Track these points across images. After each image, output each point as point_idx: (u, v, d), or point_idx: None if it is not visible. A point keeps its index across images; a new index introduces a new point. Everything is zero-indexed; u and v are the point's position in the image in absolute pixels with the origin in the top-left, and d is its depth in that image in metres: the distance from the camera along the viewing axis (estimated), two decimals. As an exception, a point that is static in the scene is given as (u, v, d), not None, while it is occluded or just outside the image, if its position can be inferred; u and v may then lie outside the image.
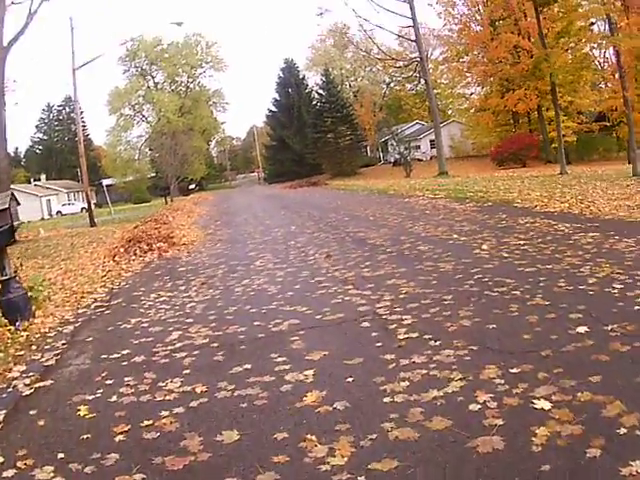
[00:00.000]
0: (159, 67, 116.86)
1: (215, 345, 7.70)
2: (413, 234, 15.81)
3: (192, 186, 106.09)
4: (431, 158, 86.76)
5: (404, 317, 7.79)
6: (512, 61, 67.30)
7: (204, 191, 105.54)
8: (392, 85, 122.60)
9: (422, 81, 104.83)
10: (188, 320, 9.24)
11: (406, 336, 6.96)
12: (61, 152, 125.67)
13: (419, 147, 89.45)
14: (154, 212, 41.81)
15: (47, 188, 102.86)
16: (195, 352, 7.47)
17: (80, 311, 11.08)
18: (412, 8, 57.55)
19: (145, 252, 18.39)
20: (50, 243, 29.27)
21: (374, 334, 7.27)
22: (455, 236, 14.52)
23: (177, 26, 48.06)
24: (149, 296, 11.74)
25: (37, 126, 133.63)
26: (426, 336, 6.86)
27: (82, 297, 12.38)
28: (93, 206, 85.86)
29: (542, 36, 41.40)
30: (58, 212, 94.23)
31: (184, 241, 20.53)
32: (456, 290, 8.93)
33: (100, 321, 10.12)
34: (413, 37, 60.99)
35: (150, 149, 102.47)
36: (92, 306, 11.46)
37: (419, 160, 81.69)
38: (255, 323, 8.49)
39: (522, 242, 12.42)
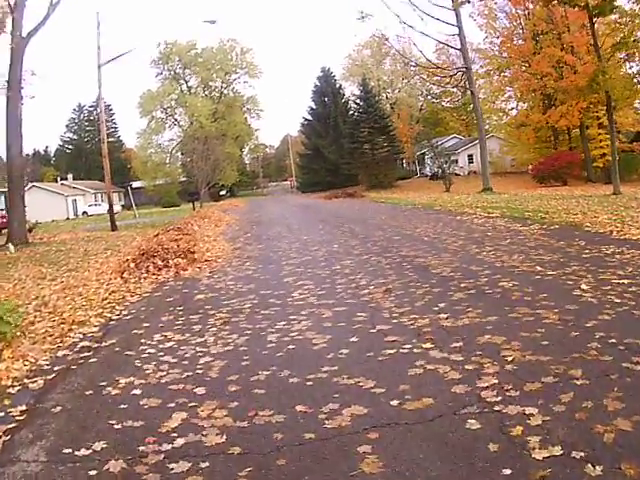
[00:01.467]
0: (193, 71, 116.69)
1: (236, 452, 4.85)
2: (485, 263, 12.93)
3: (223, 192, 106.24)
4: (469, 173, 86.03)
5: (527, 410, 5.05)
6: (556, 76, 65.58)
7: (235, 198, 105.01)
8: (429, 98, 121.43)
9: (460, 94, 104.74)
10: (199, 390, 6.40)
11: (545, 454, 4.27)
12: (91, 152, 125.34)
13: (457, 161, 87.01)
14: (180, 218, 39.31)
15: (74, 188, 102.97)
16: (203, 465, 4.66)
17: (60, 353, 8.53)
18: (458, 15, 54.74)
19: (159, 269, 15.63)
20: (64, 247, 27.79)
21: (492, 449, 4.47)
22: (538, 268, 11.66)
23: (210, 24, 46.10)
24: (152, 338, 8.93)
25: (67, 125, 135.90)
26: (576, 454, 4.24)
27: (70, 329, 9.88)
28: (120, 208, 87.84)
29: (597, 48, 39.14)
30: (84, 212, 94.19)
31: (207, 257, 17.59)
32: (582, 359, 6.25)
33: (80, 375, 7.42)
34: (458, 46, 57.88)
35: (182, 153, 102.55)
36: (78, 346, 8.86)
37: (456, 175, 79.22)
38: (298, 408, 5.61)
39: (625, 281, 9.76)
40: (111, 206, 43.75)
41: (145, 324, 9.97)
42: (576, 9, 41.45)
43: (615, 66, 43.80)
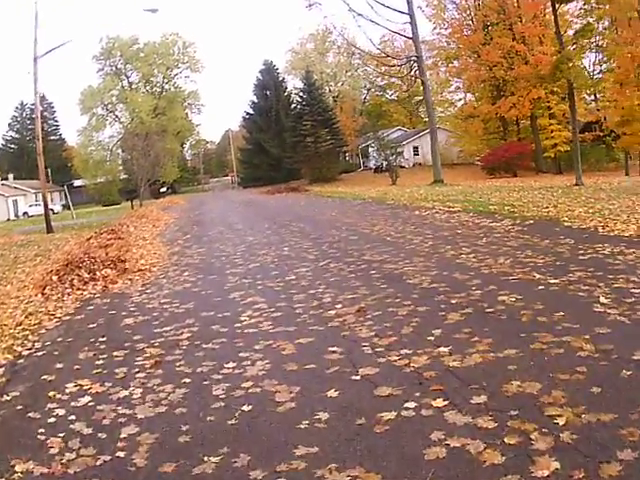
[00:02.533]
0: (134, 67, 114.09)
1: None
2: (469, 269, 10.92)
3: (164, 189, 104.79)
4: (414, 165, 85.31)
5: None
6: (506, 66, 65.23)
7: (176, 194, 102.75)
8: (373, 90, 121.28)
9: (405, 85, 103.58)
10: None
11: None
12: (33, 151, 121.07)
13: (402, 154, 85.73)
14: (117, 218, 36.77)
15: (15, 188, 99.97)
16: None
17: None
18: (409, 2, 53.01)
19: (85, 283, 13.33)
20: None
21: None
22: (537, 276, 9.71)
23: (151, 13, 43.41)
24: (65, 388, 6.76)
25: (10, 124, 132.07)
26: None
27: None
28: (61, 208, 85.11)
29: (560, 35, 38.15)
30: (25, 213, 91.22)
31: (140, 265, 15.23)
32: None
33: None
34: (408, 35, 56.27)
35: (122, 150, 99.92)
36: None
37: (401, 167, 77.89)
38: None
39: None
40: (46, 206, 41.38)
41: (58, 364, 7.77)
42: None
43: (578, 54, 42.87)
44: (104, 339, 8.75)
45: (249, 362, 6.88)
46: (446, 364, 6.13)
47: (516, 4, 66.12)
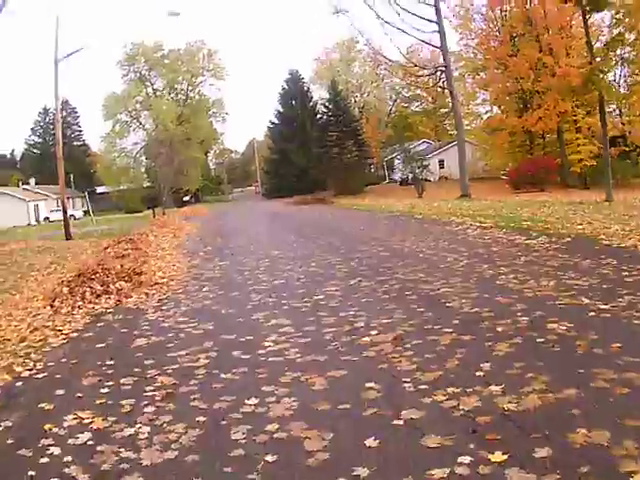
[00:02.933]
0: (158, 73, 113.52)
1: None
2: (511, 291, 10.02)
3: (187, 198, 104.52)
4: (439, 179, 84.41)
5: None
6: (534, 78, 64.53)
7: (199, 203, 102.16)
8: (399, 102, 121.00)
9: (431, 98, 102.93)
10: None
11: None
12: (55, 156, 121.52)
13: (428, 167, 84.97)
14: (136, 227, 36.05)
15: (36, 193, 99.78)
16: None
17: None
18: (438, 11, 52.40)
19: (98, 296, 12.52)
20: (8, 260, 24.59)
21: None
22: (585, 300, 8.79)
23: (174, 17, 42.92)
24: (63, 421, 5.96)
25: (33, 129, 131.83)
26: None
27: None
28: (82, 214, 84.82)
29: (590, 46, 37.20)
30: (46, 218, 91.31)
31: (157, 278, 14.42)
32: None
33: None
34: (436, 44, 55.41)
35: (146, 157, 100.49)
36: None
37: (427, 180, 76.86)
38: None
39: None
40: (65, 212, 41.11)
41: (59, 390, 6.95)
42: (567, 5, 39.55)
43: (610, 66, 41.96)
44: (112, 362, 7.91)
45: (274, 398, 6.00)
46: (500, 406, 5.29)
47: (543, 15, 65.18)
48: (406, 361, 6.79)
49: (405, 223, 26.84)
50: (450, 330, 7.88)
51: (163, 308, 11.45)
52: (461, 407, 5.34)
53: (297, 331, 8.65)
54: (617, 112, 75.65)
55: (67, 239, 37.15)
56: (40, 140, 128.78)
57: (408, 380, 6.17)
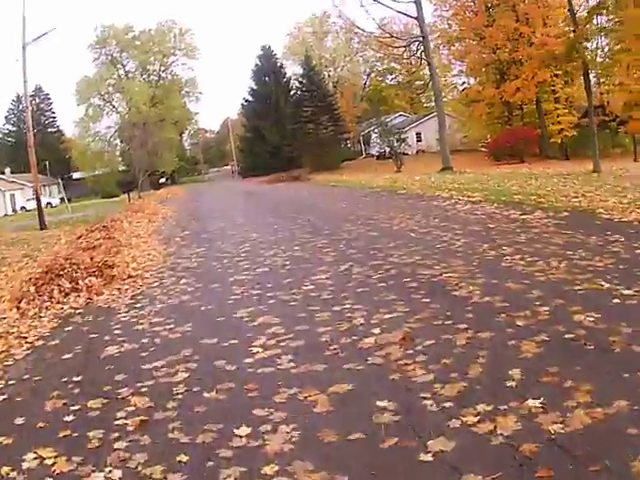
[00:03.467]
0: (130, 55, 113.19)
1: None
2: (520, 275, 9.05)
3: (163, 180, 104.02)
4: (417, 152, 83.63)
5: None
6: (511, 48, 64.11)
7: (175, 185, 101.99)
8: (373, 75, 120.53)
9: (405, 71, 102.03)
10: None
11: None
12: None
13: (406, 140, 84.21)
14: (111, 212, 34.93)
15: (12, 182, 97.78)
16: None
17: None
18: (414, -20, 50.96)
19: (67, 294, 11.44)
20: None
21: None
22: (606, 285, 7.89)
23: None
24: (22, 460, 4.98)
25: (6, 117, 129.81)
26: None
27: None
28: (59, 201, 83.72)
29: (573, 13, 37.00)
30: (22, 207, 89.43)
31: (131, 271, 13.25)
32: None
33: None
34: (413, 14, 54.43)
35: (120, 141, 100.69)
36: None
37: (404, 154, 76.16)
38: None
39: None
40: (39, 201, 40.02)
41: (19, 419, 5.89)
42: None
43: (593, 33, 41.41)
44: (79, 378, 6.84)
45: (269, 427, 4.95)
46: (545, 429, 4.32)
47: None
48: (420, 369, 5.79)
49: (388, 199, 25.83)
50: (464, 326, 6.90)
51: (137, 306, 10.34)
52: (499, 432, 4.37)
53: (288, 331, 7.57)
54: (595, 82, 75.47)
55: (42, 229, 36.22)
56: (14, 129, 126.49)
57: (428, 396, 5.17)
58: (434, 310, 7.70)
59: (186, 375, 6.49)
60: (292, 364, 6.41)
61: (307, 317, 8.16)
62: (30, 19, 36.25)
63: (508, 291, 8.21)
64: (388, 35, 64.74)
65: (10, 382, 7.15)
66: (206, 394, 5.87)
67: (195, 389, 6.06)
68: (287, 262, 12.87)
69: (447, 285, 8.97)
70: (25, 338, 9.10)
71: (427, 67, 57.26)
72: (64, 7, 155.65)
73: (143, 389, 6.23)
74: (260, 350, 6.99)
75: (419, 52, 55.94)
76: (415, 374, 5.70)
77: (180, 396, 5.94)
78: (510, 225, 14.34)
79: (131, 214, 30.38)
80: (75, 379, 6.85)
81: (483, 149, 75.87)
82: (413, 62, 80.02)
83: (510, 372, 5.40)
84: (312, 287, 10.01)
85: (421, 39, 53.44)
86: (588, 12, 38.85)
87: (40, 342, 8.89)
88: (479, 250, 11.48)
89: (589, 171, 33.85)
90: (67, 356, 7.92)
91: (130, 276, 12.83)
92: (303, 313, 8.39)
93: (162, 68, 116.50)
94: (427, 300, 8.22)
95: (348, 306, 8.42)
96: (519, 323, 6.76)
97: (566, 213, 15.29)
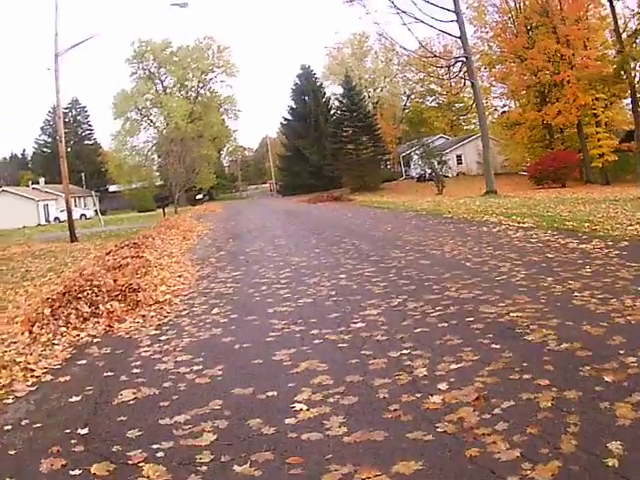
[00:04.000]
0: (168, 70, 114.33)
1: None
2: (598, 317, 7.84)
3: (200, 196, 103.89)
4: (457, 174, 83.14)
5: None
6: (552, 70, 63.28)
7: (213, 201, 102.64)
8: (413, 97, 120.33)
9: (445, 92, 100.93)
10: None
11: None
12: (67, 155, 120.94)
13: (447, 162, 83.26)
14: (145, 227, 34.14)
15: (46, 192, 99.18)
16: None
17: None
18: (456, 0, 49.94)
19: (85, 319, 10.39)
20: (4, 267, 22.77)
21: None
22: None
23: (180, 7, 40.81)
24: None
25: (42, 128, 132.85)
26: None
27: None
28: (93, 213, 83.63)
29: (619, 33, 35.83)
30: (56, 218, 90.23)
31: (158, 295, 12.15)
32: None
33: None
34: (454, 34, 53.42)
35: (157, 156, 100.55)
36: None
37: (445, 176, 75.15)
38: None
39: None
40: (70, 213, 39.25)
41: (5, 481, 4.72)
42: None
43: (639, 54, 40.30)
44: (85, 431, 5.71)
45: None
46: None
47: (559, 5, 63.82)
48: (503, 442, 4.60)
49: (435, 223, 24.58)
50: (546, 382, 5.74)
51: (161, 338, 9.16)
52: None
53: (337, 383, 6.33)
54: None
55: (72, 241, 35.60)
56: (50, 139, 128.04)
57: (517, 480, 3.98)
58: (507, 360, 6.51)
59: (213, 437, 5.29)
60: (344, 429, 5.19)
61: (359, 364, 6.93)
62: (68, 32, 35.50)
63: (586, 336, 7.08)
64: (431, 55, 63.58)
65: (6, 428, 6.08)
66: (237, 467, 4.68)
67: (223, 458, 4.85)
68: (333, 292, 11.59)
69: (517, 327, 7.76)
70: (32, 371, 8.00)
71: (469, 88, 56.32)
72: (102, 21, 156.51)
73: (159, 453, 5.06)
74: (304, 407, 5.76)
75: (462, 72, 54.81)
76: (497, 448, 4.53)
77: (204, 467, 4.74)
78: (570, 255, 13.23)
79: (165, 230, 29.38)
80: (80, 432, 5.72)
81: (524, 173, 74.73)
82: (453, 84, 79.32)
83: (608, 445, 4.31)
84: (362, 325, 8.75)
85: (464, 59, 52.26)
86: (633, 33, 37.95)
87: (48, 377, 7.79)
88: (543, 284, 10.29)
89: (636, 197, 32.49)
90: (75, 399, 6.75)
91: (157, 302, 11.71)
92: (354, 359, 7.15)
93: (200, 85, 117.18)
94: (497, 346, 7.01)
95: (406, 351, 7.20)
96: (607, 379, 5.66)
97: (625, 243, 14.27)
